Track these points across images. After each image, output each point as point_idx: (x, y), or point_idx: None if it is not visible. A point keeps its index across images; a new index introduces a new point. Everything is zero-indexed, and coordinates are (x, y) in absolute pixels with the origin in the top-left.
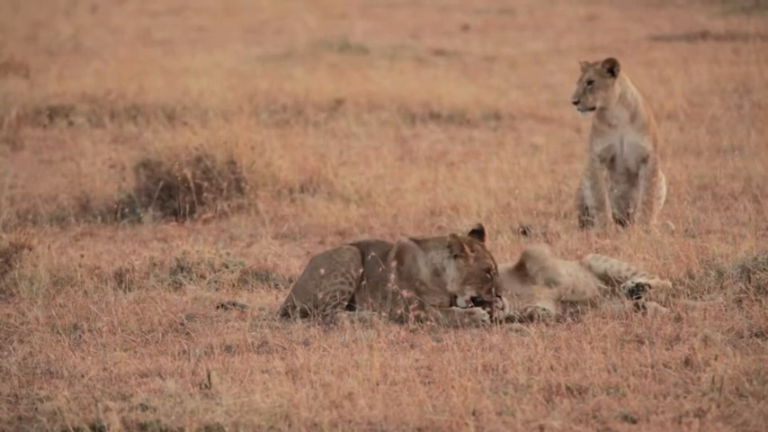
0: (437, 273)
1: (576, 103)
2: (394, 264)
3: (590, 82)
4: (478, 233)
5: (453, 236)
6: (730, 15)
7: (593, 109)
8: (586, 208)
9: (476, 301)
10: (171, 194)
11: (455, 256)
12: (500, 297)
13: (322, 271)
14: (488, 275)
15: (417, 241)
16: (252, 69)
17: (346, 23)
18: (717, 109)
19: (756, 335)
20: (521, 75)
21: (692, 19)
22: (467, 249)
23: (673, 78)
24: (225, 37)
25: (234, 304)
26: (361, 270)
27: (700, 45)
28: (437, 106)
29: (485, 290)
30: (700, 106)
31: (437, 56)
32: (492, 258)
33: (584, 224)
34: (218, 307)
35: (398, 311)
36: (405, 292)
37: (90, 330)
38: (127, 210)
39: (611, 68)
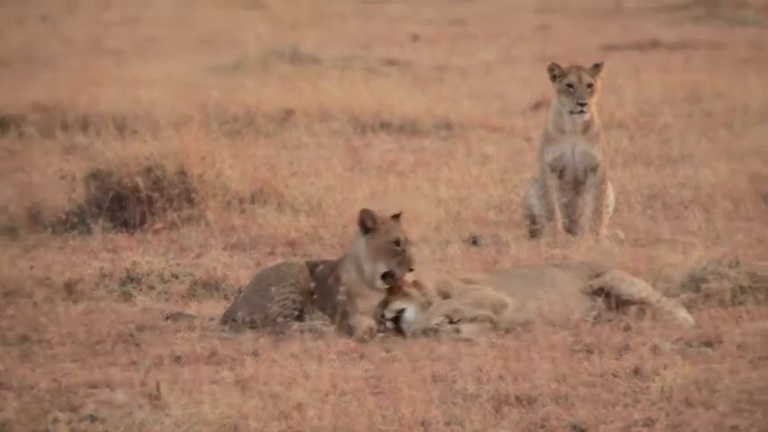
0: (358, 264)
1: (582, 105)
2: (339, 275)
3: (590, 85)
4: (396, 217)
5: (363, 210)
6: (681, 24)
7: (588, 112)
8: (534, 217)
9: (387, 276)
10: (121, 205)
11: (364, 233)
12: (412, 270)
13: (271, 284)
14: (397, 247)
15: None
16: (203, 80)
17: (297, 34)
18: (667, 118)
19: (705, 344)
20: (472, 84)
21: (644, 28)
22: (374, 222)
23: (624, 87)
24: (176, 47)
25: (182, 315)
26: (309, 282)
27: (651, 54)
28: (388, 116)
29: (395, 262)
30: (650, 115)
31: (388, 66)
32: (402, 232)
33: (533, 233)
34: (167, 318)
35: (346, 323)
36: (340, 297)
37: (39, 341)
38: (77, 220)
39: (602, 74)
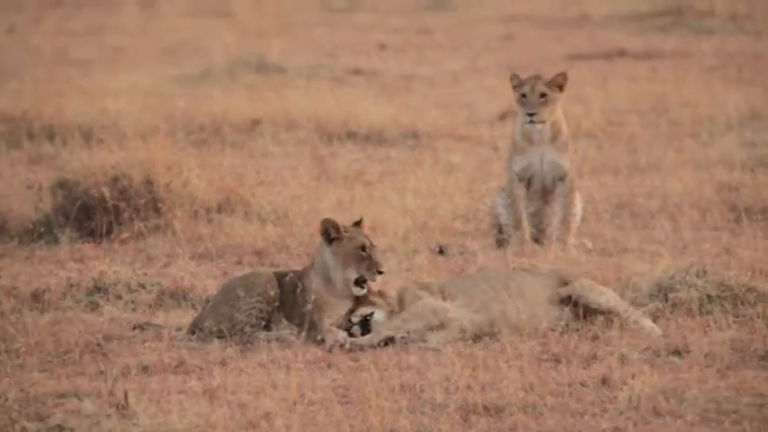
0: (326, 275)
1: (532, 115)
2: (306, 286)
3: (543, 95)
4: (357, 223)
5: (325, 219)
6: (647, 34)
7: (543, 122)
8: (501, 226)
9: (360, 282)
10: (88, 215)
11: (329, 242)
12: (382, 273)
13: (239, 292)
14: (363, 253)
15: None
16: (169, 89)
17: (263, 43)
18: (634, 127)
19: (673, 353)
20: (438, 94)
21: (610, 37)
22: (337, 230)
23: (591, 97)
24: (142, 57)
25: (150, 324)
26: (277, 291)
27: (617, 63)
28: (354, 125)
29: (364, 267)
30: (617, 125)
31: (354, 75)
32: (367, 237)
33: (500, 243)
34: (134, 327)
35: (315, 333)
36: (308, 307)
37: (7, 351)
38: (44, 230)
39: (561, 83)
